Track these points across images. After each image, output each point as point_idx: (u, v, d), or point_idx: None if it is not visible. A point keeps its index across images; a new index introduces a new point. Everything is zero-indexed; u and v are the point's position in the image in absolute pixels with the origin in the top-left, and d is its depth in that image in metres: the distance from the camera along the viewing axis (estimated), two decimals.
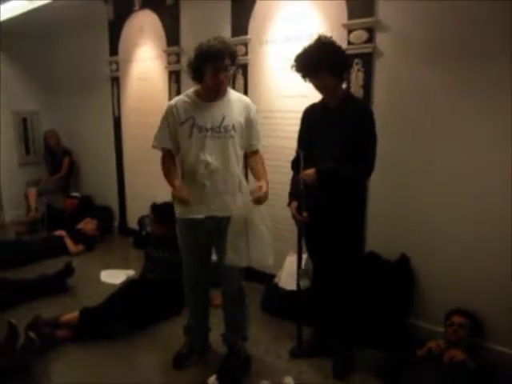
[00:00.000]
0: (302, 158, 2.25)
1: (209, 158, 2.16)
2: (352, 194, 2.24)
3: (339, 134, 2.19)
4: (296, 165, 2.34)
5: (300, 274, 2.45)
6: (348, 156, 2.14)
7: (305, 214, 2.30)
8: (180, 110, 2.20)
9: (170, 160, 2.29)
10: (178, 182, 2.19)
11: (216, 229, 2.24)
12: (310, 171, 2.21)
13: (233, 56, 2.13)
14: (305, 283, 2.45)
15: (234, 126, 2.19)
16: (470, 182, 2.43)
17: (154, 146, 2.31)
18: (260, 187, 2.08)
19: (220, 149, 2.18)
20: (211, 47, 2.07)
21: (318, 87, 2.25)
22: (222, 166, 2.19)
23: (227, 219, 2.13)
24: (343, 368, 2.39)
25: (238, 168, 2.25)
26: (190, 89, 2.29)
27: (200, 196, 2.19)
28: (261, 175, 2.22)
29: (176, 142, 2.25)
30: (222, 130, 2.18)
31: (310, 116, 2.39)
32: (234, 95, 2.28)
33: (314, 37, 2.24)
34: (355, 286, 2.41)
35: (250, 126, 2.26)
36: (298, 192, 2.31)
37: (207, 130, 2.17)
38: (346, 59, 2.27)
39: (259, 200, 2.06)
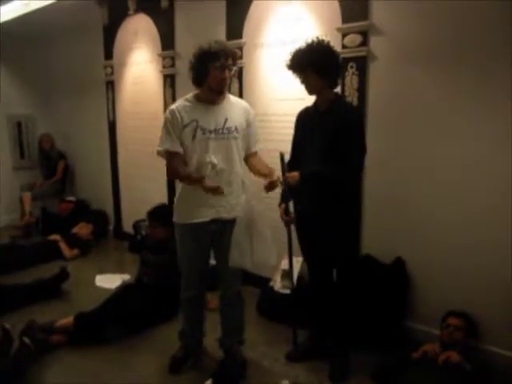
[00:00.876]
0: (286, 161, 2.26)
1: (214, 160, 2.16)
2: (341, 195, 2.23)
3: (326, 137, 2.20)
4: (281, 167, 2.34)
5: (281, 275, 2.44)
6: (334, 159, 2.14)
7: (292, 214, 2.30)
8: (182, 112, 2.18)
9: (179, 161, 2.20)
10: (202, 179, 2.13)
11: (219, 231, 2.24)
12: (294, 174, 2.20)
13: (234, 57, 2.17)
14: (286, 284, 2.44)
15: (236, 128, 2.21)
16: (468, 184, 2.44)
17: (158, 152, 2.21)
18: (271, 173, 2.15)
19: (224, 150, 2.19)
20: (214, 47, 2.10)
21: (305, 86, 2.27)
22: (226, 167, 2.19)
23: (232, 221, 2.14)
24: (339, 371, 2.39)
25: (241, 169, 2.27)
26: (186, 93, 2.28)
27: (205, 198, 2.18)
28: (268, 168, 2.25)
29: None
30: (225, 131, 2.19)
31: (303, 119, 2.41)
32: (233, 99, 2.31)
33: (310, 40, 2.25)
34: (351, 288, 2.41)
35: (249, 128, 2.29)
36: (285, 194, 2.31)
37: (211, 131, 2.17)
38: (338, 63, 2.26)
39: (272, 184, 2.11)
